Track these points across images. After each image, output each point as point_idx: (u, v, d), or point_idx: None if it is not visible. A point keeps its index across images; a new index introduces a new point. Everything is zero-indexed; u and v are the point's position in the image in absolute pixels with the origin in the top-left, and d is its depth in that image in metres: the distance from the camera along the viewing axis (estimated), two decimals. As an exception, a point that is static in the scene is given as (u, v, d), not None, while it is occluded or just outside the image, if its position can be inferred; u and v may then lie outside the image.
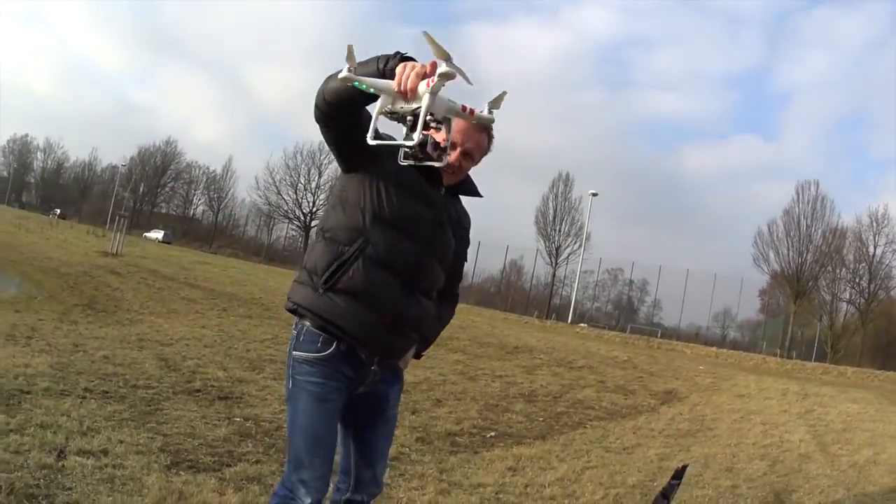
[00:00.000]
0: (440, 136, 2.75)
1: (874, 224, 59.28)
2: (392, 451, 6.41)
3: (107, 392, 7.15)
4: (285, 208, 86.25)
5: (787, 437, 10.59)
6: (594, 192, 64.25)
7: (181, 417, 6.73)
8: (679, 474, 4.72)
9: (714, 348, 39.49)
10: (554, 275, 72.78)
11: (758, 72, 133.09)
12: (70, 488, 4.37)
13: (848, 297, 61.14)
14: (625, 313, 76.73)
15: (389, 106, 2.55)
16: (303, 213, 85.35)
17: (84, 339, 10.43)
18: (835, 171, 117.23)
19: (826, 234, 59.86)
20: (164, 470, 5.07)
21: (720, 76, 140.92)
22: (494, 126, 3.03)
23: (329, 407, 3.02)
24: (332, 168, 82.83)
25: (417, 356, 3.44)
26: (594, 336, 36.06)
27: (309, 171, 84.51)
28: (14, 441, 4.95)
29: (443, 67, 2.39)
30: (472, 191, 3.38)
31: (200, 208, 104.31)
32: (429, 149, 2.54)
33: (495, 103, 2.66)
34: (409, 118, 2.50)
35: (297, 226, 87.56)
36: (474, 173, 3.32)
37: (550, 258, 71.94)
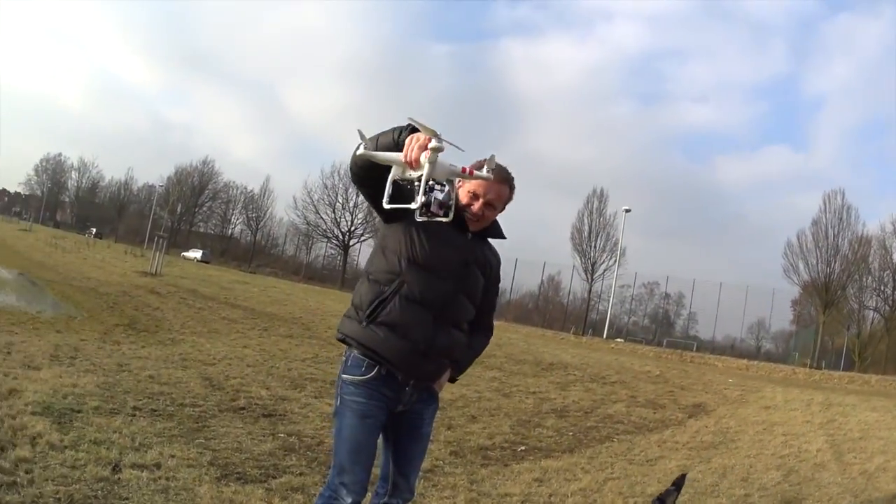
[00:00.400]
0: (464, 193, 3.59)
1: None
2: (426, 463, 6.99)
3: (155, 410, 7.62)
4: (323, 227, 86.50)
5: (805, 447, 10.71)
6: (627, 208, 64.12)
7: (228, 434, 7.20)
8: (678, 482, 5.15)
9: (745, 361, 39.16)
10: (590, 290, 72.58)
11: (785, 81, 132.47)
12: (127, 498, 4.79)
13: (874, 305, 60.49)
14: (661, 327, 76.38)
15: (400, 174, 3.17)
16: (341, 231, 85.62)
17: (128, 358, 10.85)
18: (861, 178, 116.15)
19: (852, 243, 59.13)
20: (214, 481, 5.54)
21: (749, 86, 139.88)
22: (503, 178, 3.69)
23: (370, 422, 3.61)
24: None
25: (452, 380, 4.00)
26: (629, 351, 36.02)
27: (347, 190, 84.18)
28: (70, 456, 5.35)
29: (433, 143, 2.97)
30: (498, 234, 3.93)
31: (238, 227, 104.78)
32: (433, 208, 3.12)
33: (490, 164, 3.25)
34: (416, 183, 3.10)
35: (336, 245, 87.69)
36: (507, 214, 3.91)
37: (586, 274, 71.75)
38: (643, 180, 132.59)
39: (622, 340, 53.61)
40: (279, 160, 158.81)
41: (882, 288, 59.22)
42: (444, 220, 3.18)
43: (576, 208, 76.19)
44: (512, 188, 3.79)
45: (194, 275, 36.86)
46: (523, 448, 9.01)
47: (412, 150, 3.07)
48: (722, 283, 66.37)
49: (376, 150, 3.23)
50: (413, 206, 3.09)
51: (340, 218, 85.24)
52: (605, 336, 55.73)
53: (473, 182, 3.58)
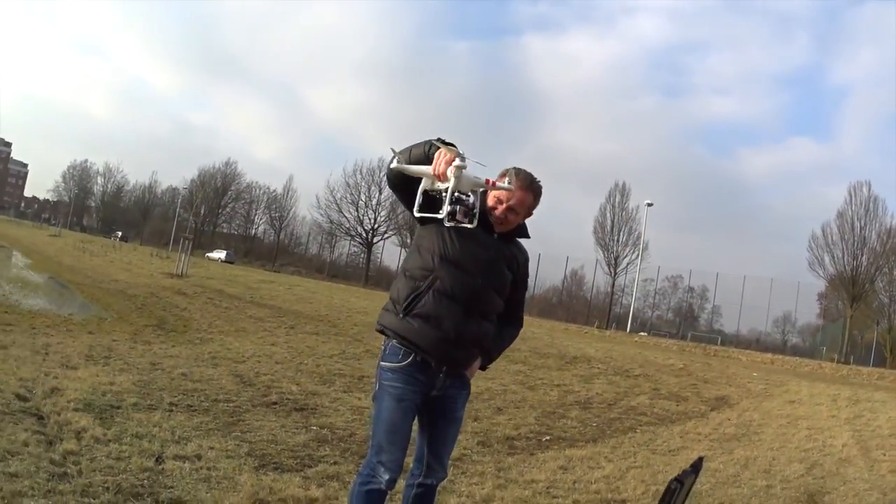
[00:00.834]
0: (491, 197, 3.91)
1: None
2: (455, 452, 7.15)
3: (191, 406, 7.88)
4: (347, 225, 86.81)
5: (830, 442, 10.67)
6: (650, 202, 64.33)
7: (262, 427, 7.46)
8: (696, 465, 5.27)
9: (770, 355, 38.84)
10: (613, 284, 72.54)
11: (809, 71, 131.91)
12: (171, 487, 5.00)
13: (906, 299, 59.91)
14: (685, 321, 76.18)
15: (430, 185, 3.57)
16: (364, 229, 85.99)
17: (160, 357, 11.09)
18: (889, 169, 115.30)
19: (881, 235, 58.30)
20: (253, 471, 5.78)
21: (773, 77, 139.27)
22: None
23: (405, 405, 3.90)
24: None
25: (483, 368, 4.27)
26: (652, 345, 35.97)
27: (369, 188, 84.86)
28: (114, 449, 5.59)
29: (457, 162, 3.40)
30: (523, 234, 4.20)
31: (262, 227, 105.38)
32: (458, 216, 3.52)
33: (510, 175, 3.73)
34: (443, 194, 3.50)
35: (360, 242, 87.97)
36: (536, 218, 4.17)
37: (609, 268, 71.77)
38: (666, 174, 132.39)
39: (646, 334, 53.60)
40: (301, 160, 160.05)
41: (913, 281, 58.56)
42: (468, 226, 3.56)
43: (598, 203, 76.22)
44: (537, 195, 4.06)
45: (220, 275, 37.08)
46: (548, 438, 9.22)
47: (440, 165, 3.47)
48: (746, 277, 66.16)
49: (409, 162, 3.64)
50: (440, 215, 3.52)
51: (363, 216, 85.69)
52: (628, 330, 55.82)
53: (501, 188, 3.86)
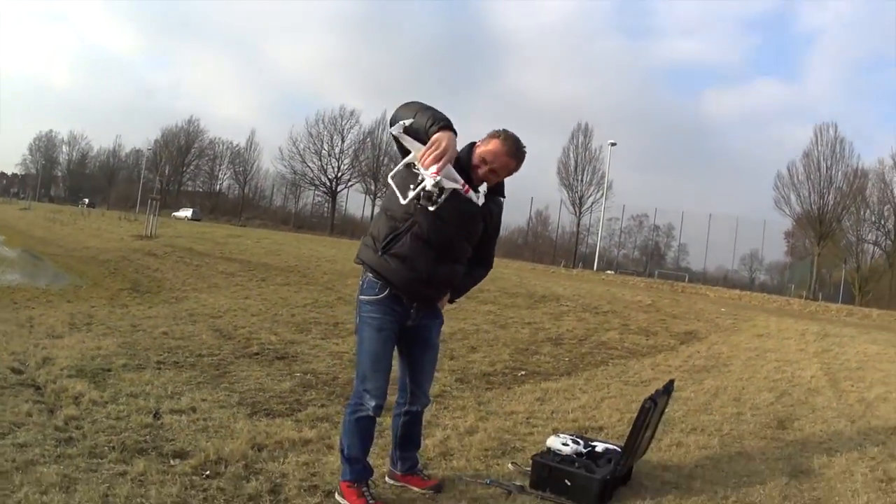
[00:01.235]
0: (477, 156, 4.22)
1: None
2: (435, 389, 7.41)
3: (177, 362, 8.00)
4: (310, 175, 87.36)
5: (799, 374, 10.81)
6: (613, 141, 64.64)
7: (249, 377, 7.62)
8: (668, 387, 5.43)
9: (738, 291, 39.18)
10: (579, 224, 73.13)
11: (778, 13, 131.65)
12: (173, 439, 5.14)
13: (874, 238, 60.62)
14: (652, 259, 76.83)
15: (413, 160, 3.89)
16: (328, 178, 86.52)
17: (139, 319, 11.19)
18: (857, 113, 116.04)
19: (847, 176, 59.30)
20: (246, 418, 5.96)
21: (740, 19, 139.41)
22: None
23: (385, 335, 4.22)
24: (354, 133, 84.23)
25: (451, 301, 4.57)
26: (620, 282, 36.13)
27: (332, 137, 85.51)
28: (113, 410, 5.70)
29: (444, 173, 3.76)
30: (500, 192, 4.45)
31: (226, 182, 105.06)
32: (422, 201, 3.84)
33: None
34: (419, 176, 3.85)
35: (324, 192, 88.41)
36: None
37: (574, 208, 72.30)
38: (630, 115, 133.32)
39: (613, 273, 53.93)
40: (264, 113, 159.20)
41: (882, 222, 59.44)
42: (431, 208, 3.85)
43: (561, 143, 76.33)
44: (520, 161, 4.30)
45: (188, 233, 36.86)
46: (523, 373, 9.39)
47: (428, 158, 3.75)
48: (711, 215, 66.78)
49: (411, 126, 3.89)
50: (404, 198, 3.89)
51: (327, 165, 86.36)
52: (595, 269, 56.13)
53: (487, 149, 4.17)
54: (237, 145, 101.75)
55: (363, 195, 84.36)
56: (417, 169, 3.86)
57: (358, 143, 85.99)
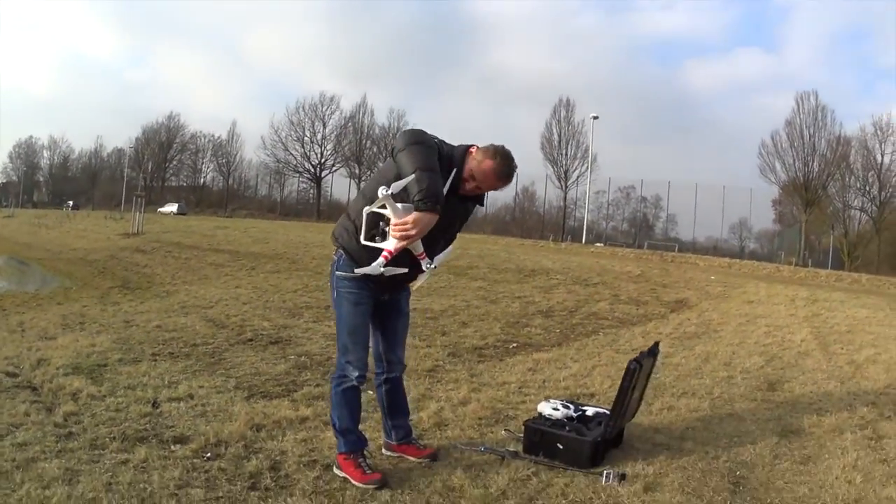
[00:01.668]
0: (467, 169, 4.23)
1: (878, 132, 58.51)
2: (427, 364, 7.68)
3: (172, 353, 8.10)
4: (294, 163, 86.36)
5: (789, 338, 10.88)
6: (595, 115, 64.35)
7: (244, 362, 7.71)
8: (653, 349, 5.49)
9: (727, 259, 39.02)
10: (565, 198, 72.94)
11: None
12: (172, 426, 5.22)
13: (859, 205, 60.66)
14: (641, 230, 76.80)
15: (387, 212, 3.87)
16: (311, 165, 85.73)
17: (131, 315, 11.28)
18: (838, 81, 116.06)
19: (830, 143, 59.08)
20: (244, 401, 6.06)
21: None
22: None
23: (363, 308, 4.37)
24: (336, 118, 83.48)
25: None
26: (609, 254, 36.10)
27: (313, 124, 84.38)
28: (111, 403, 5.76)
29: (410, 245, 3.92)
30: (481, 201, 4.53)
31: (210, 175, 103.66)
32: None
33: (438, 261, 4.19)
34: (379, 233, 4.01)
35: (308, 178, 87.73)
36: None
37: (560, 182, 72.12)
38: (612, 88, 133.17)
39: (602, 245, 53.93)
40: (244, 104, 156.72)
41: (867, 188, 59.27)
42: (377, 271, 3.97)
43: (544, 119, 76.19)
44: (508, 183, 4.37)
45: (175, 228, 36.96)
46: (514, 345, 9.51)
47: (397, 231, 3.84)
48: (698, 184, 66.74)
49: (403, 189, 3.84)
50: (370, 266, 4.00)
51: (310, 151, 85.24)
52: (583, 242, 56.14)
53: (480, 169, 4.20)
54: (219, 138, 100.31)
55: (348, 179, 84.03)
56: (382, 225, 3.96)
57: (339, 128, 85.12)
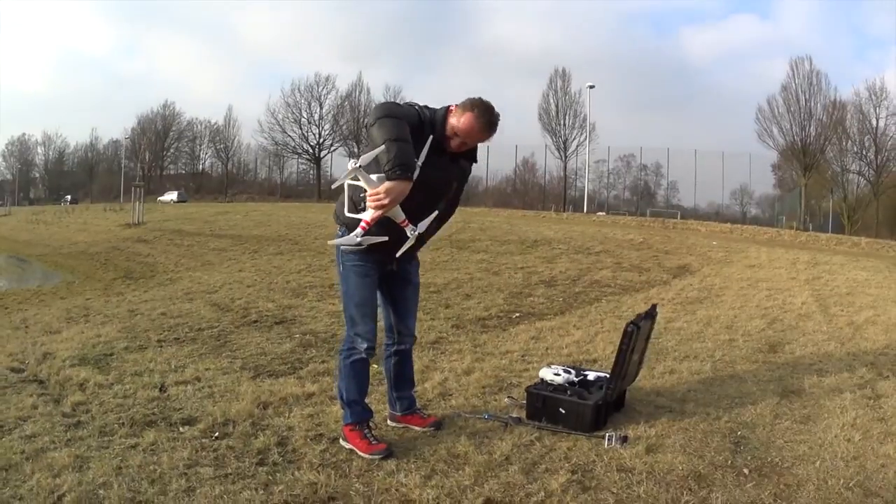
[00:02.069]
0: (450, 127, 4.20)
1: (873, 97, 58.51)
2: (431, 336, 7.73)
3: (178, 338, 8.15)
4: (292, 144, 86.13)
5: (790, 301, 10.88)
6: (591, 84, 64.47)
7: (249, 343, 7.79)
8: (651, 311, 5.51)
9: (728, 225, 38.89)
10: (565, 168, 72.94)
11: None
12: (180, 408, 5.29)
13: (857, 169, 60.57)
14: (642, 198, 76.79)
15: (363, 184, 3.93)
16: (310, 145, 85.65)
17: (135, 304, 11.32)
18: (832, 47, 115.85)
19: (826, 108, 59.16)
20: (250, 380, 6.13)
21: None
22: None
23: (369, 280, 4.42)
24: (332, 98, 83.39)
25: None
26: (611, 223, 35.89)
27: (309, 104, 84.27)
28: (119, 390, 5.80)
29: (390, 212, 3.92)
30: (473, 157, 4.55)
31: (209, 161, 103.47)
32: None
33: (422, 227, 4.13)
34: (361, 205, 4.04)
35: (307, 159, 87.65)
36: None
37: (559, 152, 72.10)
38: (608, 57, 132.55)
39: (604, 214, 53.80)
40: (239, 89, 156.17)
41: (864, 152, 59.23)
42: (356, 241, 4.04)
43: (541, 90, 76.09)
44: (492, 134, 4.31)
45: (175, 216, 36.99)
46: (517, 315, 9.56)
47: (372, 201, 3.86)
48: (697, 151, 66.68)
49: (375, 158, 3.87)
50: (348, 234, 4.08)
51: (307, 132, 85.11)
52: (585, 211, 56.07)
53: (460, 124, 4.16)
54: (215, 123, 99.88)
55: (347, 158, 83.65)
56: (361, 195, 4.00)
57: (336, 107, 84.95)
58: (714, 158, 66.09)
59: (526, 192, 79.00)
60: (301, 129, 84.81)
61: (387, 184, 3.79)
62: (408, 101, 4.38)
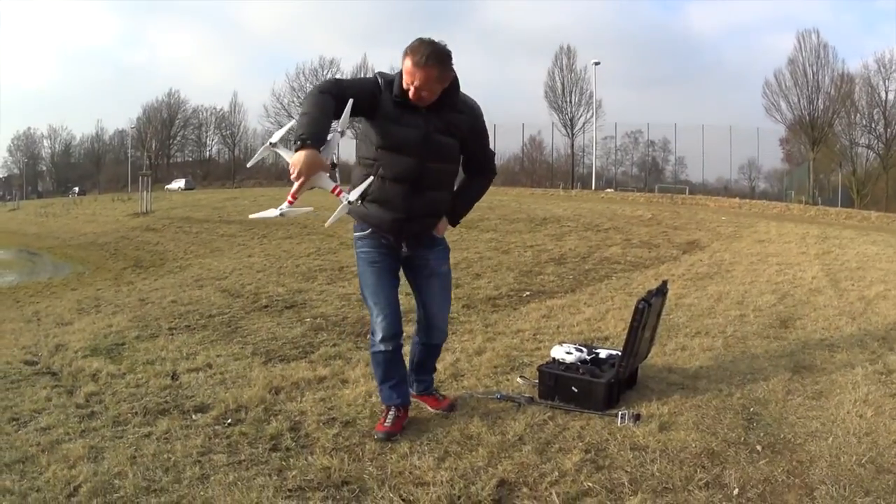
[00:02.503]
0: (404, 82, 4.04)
1: (882, 70, 57.36)
2: None
3: (189, 326, 8.21)
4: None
5: (800, 275, 10.84)
6: (596, 61, 64.24)
7: (260, 328, 7.83)
8: (662, 287, 5.51)
9: (737, 199, 38.82)
10: (573, 145, 72.74)
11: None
12: (193, 396, 5.32)
13: (866, 142, 60.14)
14: (651, 174, 76.54)
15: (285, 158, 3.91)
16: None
17: (146, 293, 11.41)
18: (840, 21, 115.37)
19: (834, 81, 58.41)
20: (261, 366, 6.17)
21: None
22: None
23: (379, 267, 4.37)
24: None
25: (454, 224, 4.61)
26: (619, 199, 35.96)
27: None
28: (131, 380, 5.84)
29: (315, 181, 3.84)
30: (453, 100, 4.23)
31: (215, 148, 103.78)
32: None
33: (362, 194, 3.96)
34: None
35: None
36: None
37: (566, 129, 71.90)
38: (614, 34, 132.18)
39: (612, 191, 53.76)
40: (244, 75, 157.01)
41: (873, 126, 58.52)
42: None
43: (546, 69, 75.84)
44: (441, 67, 4.00)
45: (183, 203, 37.09)
46: (528, 293, 9.58)
47: (294, 178, 3.80)
48: (704, 126, 66.30)
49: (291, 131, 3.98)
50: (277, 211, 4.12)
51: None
52: (593, 188, 56.01)
53: (405, 72, 4.00)
54: (221, 110, 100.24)
55: (353, 140, 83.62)
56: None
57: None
58: (722, 133, 65.58)
59: (534, 170, 78.77)
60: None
61: (292, 160, 3.72)
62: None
